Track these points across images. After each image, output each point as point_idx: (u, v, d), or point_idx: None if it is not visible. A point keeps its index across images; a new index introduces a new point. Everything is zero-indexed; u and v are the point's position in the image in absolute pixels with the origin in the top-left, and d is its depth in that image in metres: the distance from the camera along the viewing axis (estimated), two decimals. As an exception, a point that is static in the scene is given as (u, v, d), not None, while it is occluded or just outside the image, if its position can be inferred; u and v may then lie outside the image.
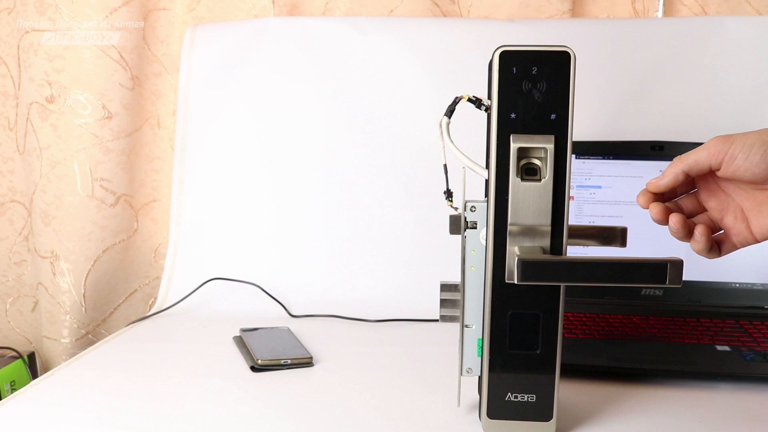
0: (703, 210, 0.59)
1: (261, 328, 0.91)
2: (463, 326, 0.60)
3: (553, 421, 0.59)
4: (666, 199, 0.58)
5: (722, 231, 0.58)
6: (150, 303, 1.24)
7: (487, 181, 0.58)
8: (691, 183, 0.59)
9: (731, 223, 0.57)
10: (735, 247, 0.57)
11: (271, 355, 0.80)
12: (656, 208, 0.57)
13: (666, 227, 0.57)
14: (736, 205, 0.57)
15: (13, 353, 1.14)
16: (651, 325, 0.86)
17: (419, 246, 1.10)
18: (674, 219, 0.56)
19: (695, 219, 0.58)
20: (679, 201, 0.59)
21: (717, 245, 0.57)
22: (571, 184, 0.56)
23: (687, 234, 0.56)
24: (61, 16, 1.11)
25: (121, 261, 1.20)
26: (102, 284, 1.18)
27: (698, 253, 0.56)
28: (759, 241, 0.56)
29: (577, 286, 0.92)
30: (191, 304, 1.05)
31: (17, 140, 1.22)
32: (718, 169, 0.54)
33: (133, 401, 0.69)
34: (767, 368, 0.74)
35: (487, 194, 0.58)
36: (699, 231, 0.56)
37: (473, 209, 0.58)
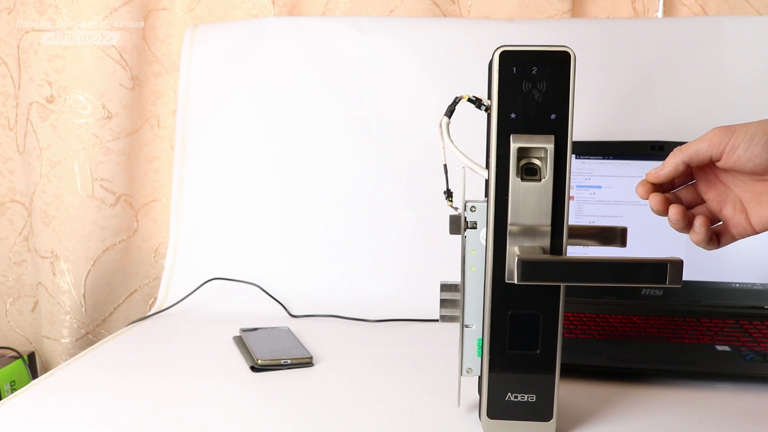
0: (702, 201, 0.59)
1: (261, 328, 0.91)
2: (463, 326, 0.60)
3: (553, 421, 0.59)
4: (665, 190, 0.58)
5: (721, 222, 0.58)
6: (150, 303, 1.24)
7: (487, 181, 0.58)
8: (689, 174, 0.59)
9: (730, 214, 0.57)
10: (734, 239, 0.57)
11: (271, 355, 0.80)
12: (656, 198, 0.57)
13: (665, 221, 0.57)
14: (735, 196, 0.57)
15: (13, 353, 1.14)
16: (651, 325, 0.86)
17: (419, 246, 1.10)
18: (674, 210, 0.56)
19: (694, 210, 0.58)
20: (677, 192, 0.59)
21: (716, 237, 0.57)
22: (571, 184, 0.56)
23: (686, 225, 0.56)
24: (61, 16, 1.11)
25: (121, 261, 1.20)
26: (102, 284, 1.18)
27: (697, 244, 0.56)
28: (758, 233, 0.56)
29: (577, 286, 0.92)
30: (191, 304, 1.05)
31: (17, 140, 1.22)
32: (719, 160, 0.54)
33: (133, 401, 0.69)
34: (767, 368, 0.74)
35: (487, 194, 0.58)
36: (698, 222, 0.56)
37: (473, 209, 0.58)
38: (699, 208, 0.58)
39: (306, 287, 1.09)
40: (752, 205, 0.56)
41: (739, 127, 0.53)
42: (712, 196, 0.58)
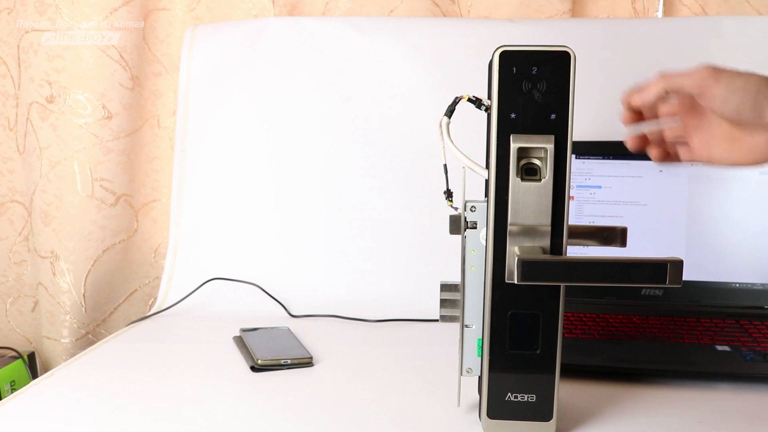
0: (679, 117, 0.60)
1: (261, 328, 0.91)
2: (463, 326, 0.60)
3: (553, 421, 0.59)
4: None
5: (686, 143, 0.60)
6: (150, 303, 1.23)
7: (487, 181, 0.58)
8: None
9: (697, 142, 0.58)
10: (688, 161, 0.60)
11: (271, 355, 0.80)
12: (634, 142, 0.61)
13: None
14: (708, 126, 0.57)
15: (13, 353, 1.14)
16: (651, 325, 0.86)
17: (419, 246, 1.10)
18: (653, 152, 0.61)
19: (668, 129, 0.60)
20: (659, 105, 0.60)
21: (674, 153, 0.60)
22: (571, 184, 0.56)
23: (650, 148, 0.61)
24: (61, 16, 1.11)
25: (121, 261, 1.20)
26: (102, 284, 1.18)
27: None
28: (714, 165, 0.58)
29: (577, 286, 0.92)
30: (191, 304, 1.05)
31: (17, 140, 1.22)
32: (700, 98, 0.54)
33: (133, 401, 0.69)
34: (767, 368, 0.74)
35: (487, 194, 0.58)
36: (654, 154, 0.61)
37: (473, 209, 0.58)
38: (672, 129, 0.60)
39: (306, 287, 1.09)
40: (718, 142, 0.57)
41: (726, 76, 0.52)
42: (688, 120, 0.59)
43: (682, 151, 0.60)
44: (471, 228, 0.58)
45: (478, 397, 0.62)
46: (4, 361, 1.11)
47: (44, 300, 1.18)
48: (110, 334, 1.03)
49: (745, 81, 0.52)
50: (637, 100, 0.57)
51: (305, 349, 0.83)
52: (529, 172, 0.55)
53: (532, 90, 0.55)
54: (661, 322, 0.87)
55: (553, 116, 0.55)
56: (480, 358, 0.60)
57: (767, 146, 0.53)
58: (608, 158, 0.97)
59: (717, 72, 0.53)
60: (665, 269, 0.51)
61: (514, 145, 0.55)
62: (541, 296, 0.57)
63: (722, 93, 0.52)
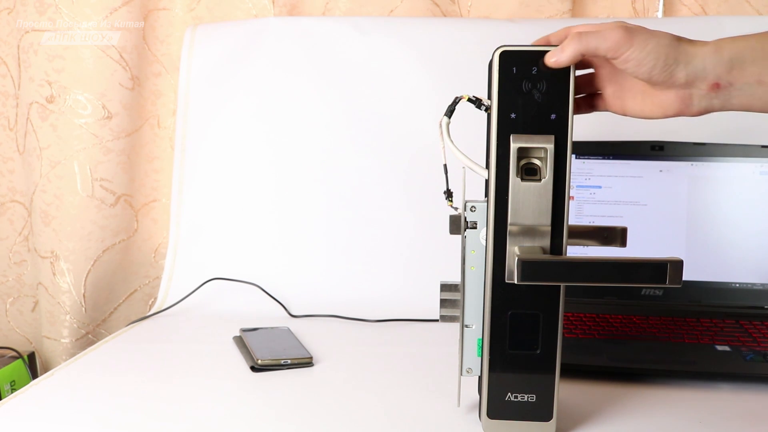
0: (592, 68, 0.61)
1: (261, 328, 0.91)
2: (463, 326, 0.60)
3: (553, 421, 0.59)
4: None
5: (599, 92, 0.61)
6: (150, 303, 1.24)
7: (487, 181, 0.58)
8: None
9: (610, 92, 0.59)
10: (602, 111, 0.61)
11: (271, 355, 0.80)
12: None
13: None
14: (623, 79, 0.58)
15: (13, 353, 1.14)
16: (651, 325, 0.86)
17: (419, 246, 1.10)
18: None
19: (582, 78, 0.61)
20: None
21: (583, 103, 0.61)
22: (571, 184, 0.56)
23: None
24: (61, 16, 1.11)
25: (121, 261, 1.20)
26: (102, 284, 1.18)
27: None
28: (627, 116, 0.60)
29: (577, 286, 0.92)
30: (191, 304, 1.05)
31: (17, 140, 1.22)
32: (615, 60, 0.55)
33: (133, 401, 0.69)
34: (767, 368, 0.74)
35: (487, 194, 0.58)
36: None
37: (473, 209, 0.58)
38: (583, 79, 0.61)
39: (306, 287, 1.09)
40: (631, 95, 0.58)
41: (640, 37, 0.53)
42: (601, 71, 0.60)
43: (596, 101, 0.61)
44: (471, 228, 0.58)
45: (478, 397, 0.62)
46: (4, 361, 1.11)
47: (44, 300, 1.18)
48: (110, 334, 1.03)
49: (656, 43, 0.53)
50: (551, 64, 0.56)
51: (305, 349, 0.83)
52: (529, 172, 0.55)
53: (532, 90, 0.55)
54: (661, 322, 0.87)
55: (553, 116, 0.55)
56: (480, 358, 0.60)
57: (676, 102, 0.56)
58: (608, 158, 0.97)
59: (630, 34, 0.53)
60: (665, 269, 0.51)
61: (514, 145, 0.55)
62: (541, 296, 0.57)
63: (636, 56, 0.53)
